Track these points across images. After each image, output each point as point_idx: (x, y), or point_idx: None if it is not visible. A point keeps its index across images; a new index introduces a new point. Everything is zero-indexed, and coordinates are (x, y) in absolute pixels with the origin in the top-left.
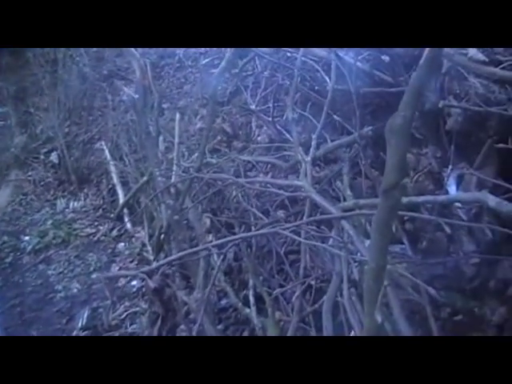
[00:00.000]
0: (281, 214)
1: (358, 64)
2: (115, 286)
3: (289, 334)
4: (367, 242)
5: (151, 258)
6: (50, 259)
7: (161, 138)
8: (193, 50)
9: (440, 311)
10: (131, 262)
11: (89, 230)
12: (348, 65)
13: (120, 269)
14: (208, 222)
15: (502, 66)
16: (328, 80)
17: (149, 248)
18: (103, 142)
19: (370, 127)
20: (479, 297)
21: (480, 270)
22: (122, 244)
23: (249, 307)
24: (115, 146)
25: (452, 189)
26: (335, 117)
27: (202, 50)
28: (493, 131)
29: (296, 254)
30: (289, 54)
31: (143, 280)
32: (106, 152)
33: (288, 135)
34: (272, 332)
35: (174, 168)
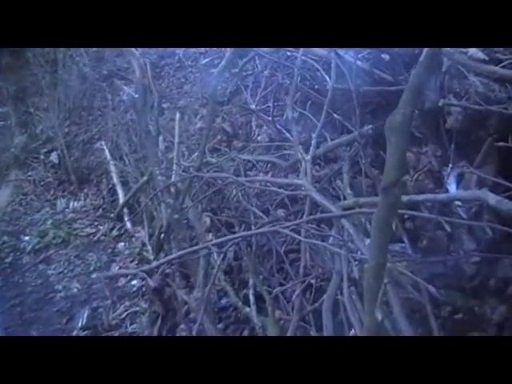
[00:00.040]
0: (281, 212)
1: (358, 63)
2: (115, 286)
3: (289, 333)
4: (367, 241)
5: (151, 257)
6: (50, 259)
7: (161, 138)
8: (193, 49)
9: (440, 310)
10: (131, 261)
11: (89, 230)
12: (348, 64)
13: (120, 268)
14: (208, 221)
15: (502, 64)
16: (328, 79)
17: (149, 248)
18: (103, 142)
19: (370, 126)
20: (479, 295)
21: (480, 268)
22: (122, 244)
23: (249, 306)
24: (115, 145)
25: (452, 187)
26: (335, 116)
27: (202, 49)
28: (493, 130)
29: (296, 253)
30: (289, 54)
31: (143, 279)
32: (106, 152)
33: (288, 134)
34: (272, 331)
35: (174, 167)
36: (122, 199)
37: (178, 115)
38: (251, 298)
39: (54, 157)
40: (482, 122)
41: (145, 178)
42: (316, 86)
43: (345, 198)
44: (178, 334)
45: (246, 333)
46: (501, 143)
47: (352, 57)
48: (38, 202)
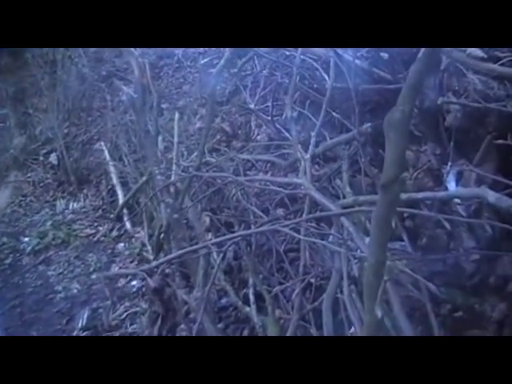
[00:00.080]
0: (280, 212)
1: (357, 62)
2: (115, 286)
3: (289, 332)
4: (367, 239)
5: (151, 257)
6: (49, 260)
7: (160, 138)
8: (192, 49)
9: (440, 308)
10: (131, 262)
11: (88, 231)
12: (347, 62)
13: (120, 269)
14: (207, 220)
15: (500, 62)
16: (327, 78)
17: (149, 248)
18: (102, 143)
19: (369, 124)
20: (479, 293)
21: (480, 266)
22: (122, 244)
23: (249, 306)
24: (114, 146)
25: (451, 185)
26: (334, 114)
27: (201, 49)
28: (492, 127)
29: (296, 252)
30: (288, 53)
31: (143, 280)
32: (106, 152)
33: (287, 133)
34: (272, 330)
35: (174, 167)
36: (121, 200)
37: (177, 115)
38: (251, 297)
39: (53, 158)
40: (481, 120)
41: (144, 179)
42: (315, 85)
43: (344, 197)
44: (178, 334)
45: (246, 332)
46: (500, 141)
47: (351, 56)
48: (38, 203)
